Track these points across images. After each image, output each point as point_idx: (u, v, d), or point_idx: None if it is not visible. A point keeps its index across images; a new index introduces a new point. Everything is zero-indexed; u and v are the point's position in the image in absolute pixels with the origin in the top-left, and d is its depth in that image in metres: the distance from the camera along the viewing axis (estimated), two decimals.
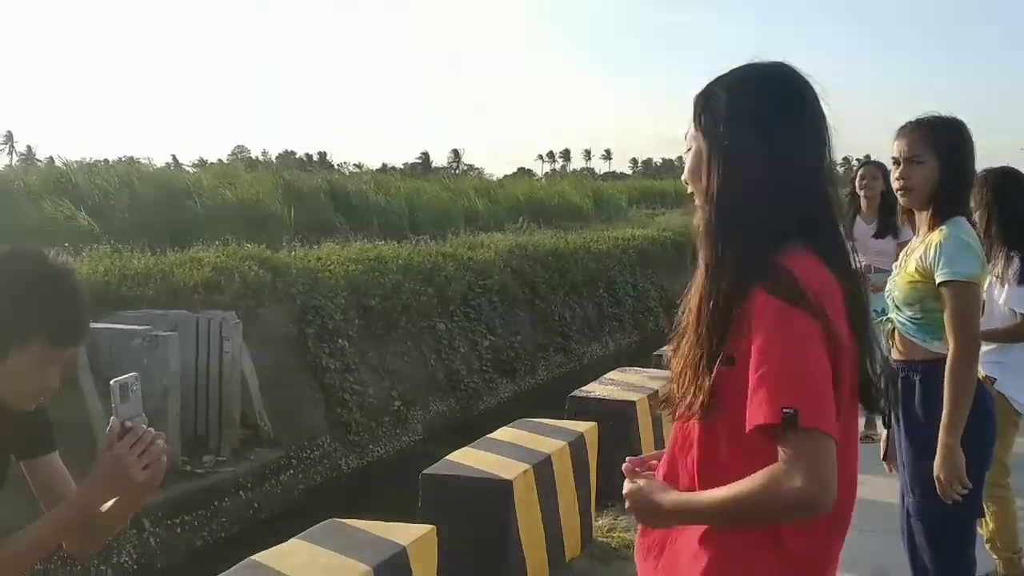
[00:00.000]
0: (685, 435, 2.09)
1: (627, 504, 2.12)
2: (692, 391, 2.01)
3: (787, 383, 1.85)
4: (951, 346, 3.50)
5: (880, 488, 4.89)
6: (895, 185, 3.76)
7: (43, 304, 2.09)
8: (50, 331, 2.10)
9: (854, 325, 1.99)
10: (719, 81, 2.09)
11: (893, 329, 3.78)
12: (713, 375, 1.96)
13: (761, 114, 2.02)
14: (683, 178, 2.16)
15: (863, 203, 6.92)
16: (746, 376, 1.90)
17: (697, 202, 2.11)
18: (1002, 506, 4.83)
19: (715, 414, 1.99)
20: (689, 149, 2.12)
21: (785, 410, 1.83)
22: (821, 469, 1.84)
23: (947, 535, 3.69)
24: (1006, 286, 4.74)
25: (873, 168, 6.95)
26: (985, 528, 4.84)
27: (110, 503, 2.23)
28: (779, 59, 2.10)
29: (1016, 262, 4.73)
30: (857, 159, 6.87)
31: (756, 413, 1.86)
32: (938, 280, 3.52)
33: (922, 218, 3.72)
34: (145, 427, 2.15)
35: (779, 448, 1.86)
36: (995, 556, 4.88)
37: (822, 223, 2.05)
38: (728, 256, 1.99)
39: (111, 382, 2.14)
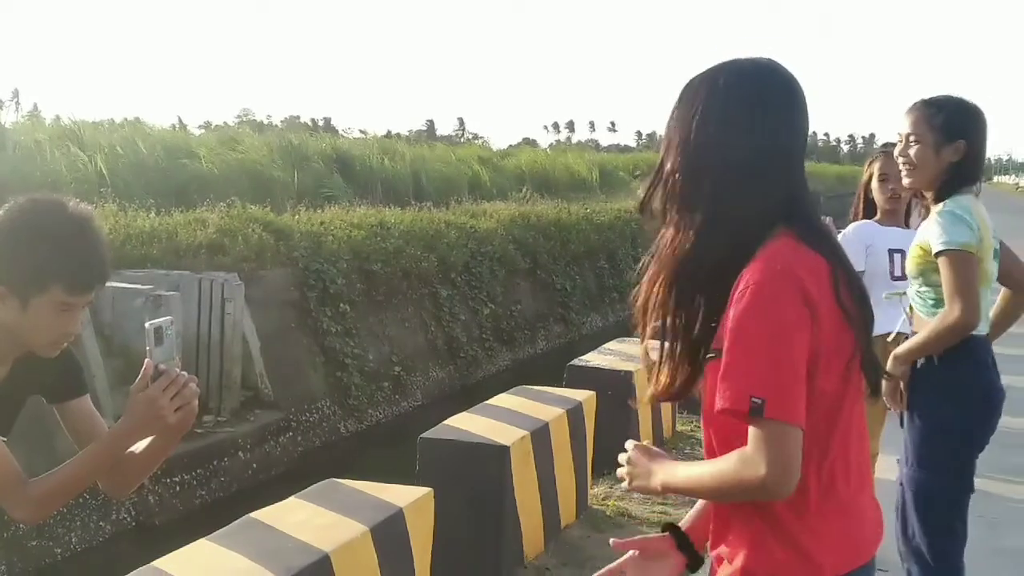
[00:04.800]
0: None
1: (625, 470, 2.18)
2: (672, 378, 2.06)
3: (758, 369, 1.88)
4: (950, 310, 3.52)
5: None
6: (899, 162, 3.79)
7: (59, 252, 2.14)
8: (67, 277, 2.15)
9: (850, 305, 1.99)
10: (707, 71, 2.09)
11: (911, 304, 3.86)
12: (702, 367, 2.02)
13: (745, 99, 2.02)
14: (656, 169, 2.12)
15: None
16: None
17: (667, 192, 2.08)
18: None
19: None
20: (672, 137, 2.08)
21: (753, 399, 1.86)
22: (783, 458, 1.87)
23: (935, 507, 3.72)
24: None
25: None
26: None
27: (143, 444, 2.29)
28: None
29: None
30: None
31: (724, 397, 1.90)
32: (933, 252, 3.58)
33: (927, 198, 3.77)
34: (178, 370, 2.20)
35: (750, 430, 1.90)
36: None
37: (802, 207, 2.06)
38: (715, 240, 2.00)
39: (145, 324, 2.19)
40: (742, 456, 1.91)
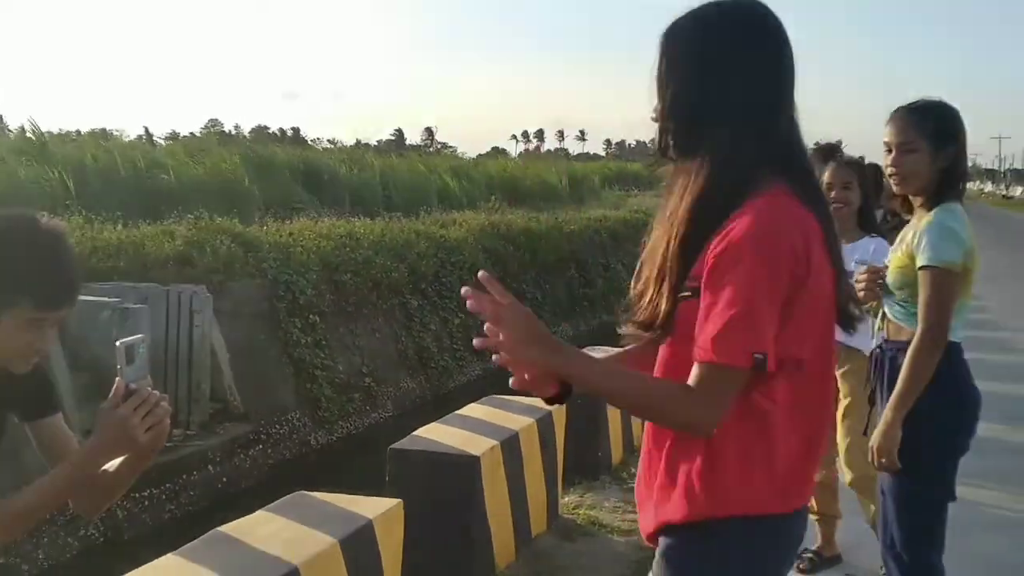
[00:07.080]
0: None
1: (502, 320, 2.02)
2: (649, 310, 2.05)
3: (757, 326, 1.89)
4: (918, 329, 3.53)
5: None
6: (888, 172, 3.76)
7: (31, 267, 2.12)
8: (37, 293, 2.13)
9: (831, 259, 2.03)
10: (689, 14, 2.07)
11: (883, 313, 3.82)
12: (677, 303, 1.99)
13: (736, 42, 2.02)
14: (652, 115, 2.11)
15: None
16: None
17: (670, 145, 2.09)
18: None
19: (676, 339, 2.02)
20: (664, 80, 2.07)
21: (756, 356, 1.88)
22: (726, 402, 1.94)
23: (915, 514, 3.72)
24: None
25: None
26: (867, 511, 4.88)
27: (115, 464, 2.28)
28: None
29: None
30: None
31: (722, 351, 1.89)
32: (918, 264, 3.55)
33: (916, 204, 3.72)
34: (150, 389, 2.18)
35: (704, 370, 1.91)
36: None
37: (796, 159, 2.06)
38: (709, 183, 1.99)
39: (116, 343, 2.16)
40: (690, 392, 1.92)
